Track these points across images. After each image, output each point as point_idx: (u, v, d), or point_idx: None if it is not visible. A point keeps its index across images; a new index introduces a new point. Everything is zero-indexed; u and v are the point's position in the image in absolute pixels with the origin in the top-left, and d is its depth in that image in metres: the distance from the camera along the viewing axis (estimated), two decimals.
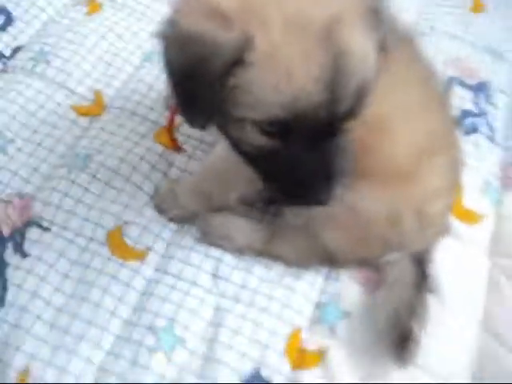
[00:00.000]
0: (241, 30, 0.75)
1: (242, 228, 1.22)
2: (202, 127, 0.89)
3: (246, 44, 0.75)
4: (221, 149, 1.17)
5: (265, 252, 1.21)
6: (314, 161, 0.85)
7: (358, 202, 1.08)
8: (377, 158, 1.05)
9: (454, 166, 1.19)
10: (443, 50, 1.63)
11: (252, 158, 0.90)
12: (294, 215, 1.15)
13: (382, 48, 0.86)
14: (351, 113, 0.83)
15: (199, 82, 0.79)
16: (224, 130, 0.90)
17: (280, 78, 0.75)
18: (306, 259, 1.20)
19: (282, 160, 0.86)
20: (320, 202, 0.89)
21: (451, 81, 1.55)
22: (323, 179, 0.87)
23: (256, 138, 0.84)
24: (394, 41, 1.03)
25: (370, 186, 1.06)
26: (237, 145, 0.91)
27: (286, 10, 0.75)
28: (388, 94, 1.01)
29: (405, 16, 1.67)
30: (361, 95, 0.81)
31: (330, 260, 1.18)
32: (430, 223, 1.16)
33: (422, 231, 1.16)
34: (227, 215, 1.23)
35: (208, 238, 1.22)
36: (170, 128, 1.28)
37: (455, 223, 1.29)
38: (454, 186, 1.21)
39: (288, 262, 1.20)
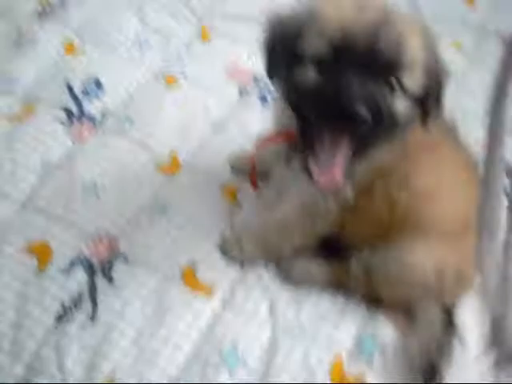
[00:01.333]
0: None
1: (317, 270, 1.44)
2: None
3: None
4: (283, 207, 1.41)
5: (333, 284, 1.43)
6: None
7: (411, 257, 1.30)
8: (429, 220, 1.28)
9: None
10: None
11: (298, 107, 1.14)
12: (357, 263, 1.38)
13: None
14: None
15: None
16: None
17: None
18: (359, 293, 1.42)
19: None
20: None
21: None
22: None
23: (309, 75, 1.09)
24: (443, 129, 1.28)
25: (423, 243, 1.29)
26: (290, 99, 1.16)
27: None
28: (439, 171, 1.25)
29: None
30: None
31: (377, 300, 1.40)
32: (465, 281, 1.37)
33: (457, 287, 1.37)
34: (304, 260, 1.45)
35: (291, 280, 1.44)
36: (253, 173, 1.50)
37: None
38: None
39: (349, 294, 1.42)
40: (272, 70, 1.18)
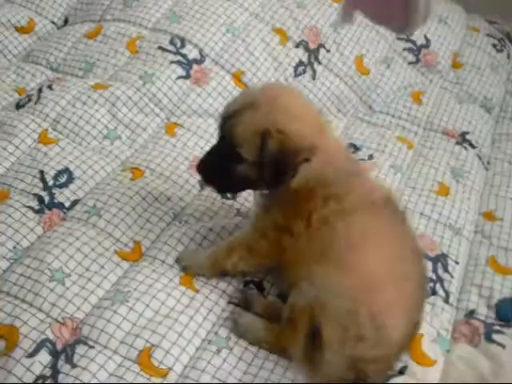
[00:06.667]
0: None
1: (261, 325, 1.65)
2: None
3: None
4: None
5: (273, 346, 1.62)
6: None
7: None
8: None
9: (416, 301, 1.58)
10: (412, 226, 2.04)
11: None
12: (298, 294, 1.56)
13: None
14: None
15: None
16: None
17: None
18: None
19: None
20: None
21: None
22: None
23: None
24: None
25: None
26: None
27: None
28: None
29: None
30: None
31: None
32: (385, 336, 1.49)
33: (378, 345, 1.49)
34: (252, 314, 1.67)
35: (237, 329, 1.64)
36: None
37: (413, 365, 1.63)
38: (412, 317, 1.57)
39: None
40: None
